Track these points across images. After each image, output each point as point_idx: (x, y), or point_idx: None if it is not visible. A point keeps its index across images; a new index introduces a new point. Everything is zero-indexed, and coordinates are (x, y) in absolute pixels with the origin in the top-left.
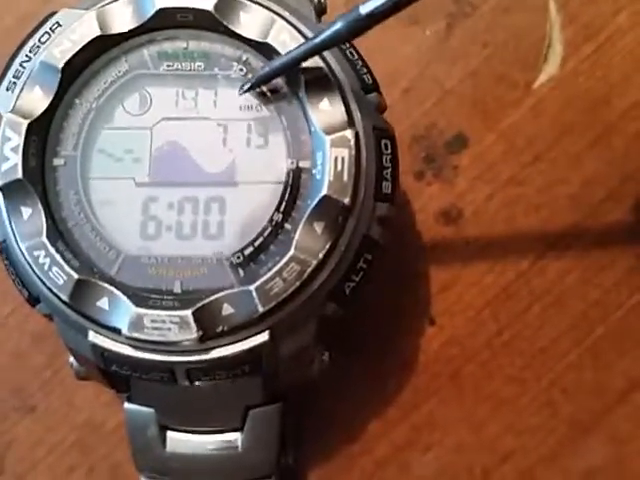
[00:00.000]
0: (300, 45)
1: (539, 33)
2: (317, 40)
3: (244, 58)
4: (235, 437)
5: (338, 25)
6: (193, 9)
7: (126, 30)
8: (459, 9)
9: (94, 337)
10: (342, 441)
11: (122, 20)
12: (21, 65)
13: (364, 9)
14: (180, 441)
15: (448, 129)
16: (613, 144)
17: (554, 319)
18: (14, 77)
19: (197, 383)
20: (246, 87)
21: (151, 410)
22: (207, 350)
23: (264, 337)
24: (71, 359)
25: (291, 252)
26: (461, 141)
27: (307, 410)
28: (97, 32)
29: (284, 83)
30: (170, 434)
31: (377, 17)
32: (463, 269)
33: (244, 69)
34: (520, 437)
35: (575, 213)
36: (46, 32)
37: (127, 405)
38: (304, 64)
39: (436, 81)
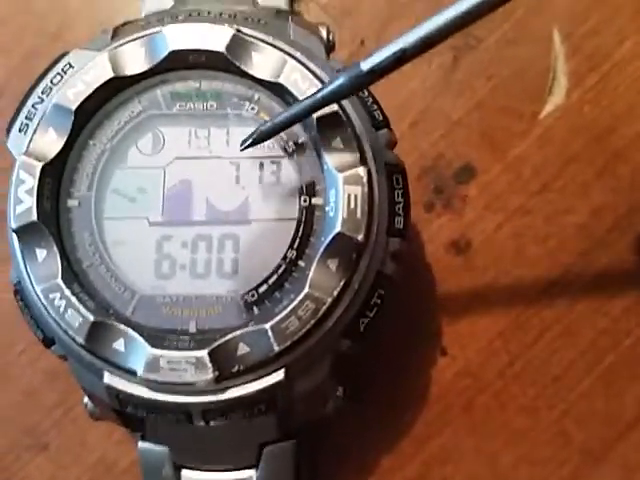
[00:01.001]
0: (302, 101)
1: (544, 64)
2: (318, 96)
3: (256, 97)
4: (250, 475)
5: (340, 81)
6: (205, 50)
7: (139, 72)
8: (464, 42)
9: (109, 379)
10: (356, 477)
11: (135, 61)
12: (33, 107)
13: (365, 65)
14: None
15: (456, 160)
16: (619, 173)
17: (564, 348)
18: (26, 118)
19: (213, 423)
20: (248, 142)
21: (165, 449)
22: (223, 390)
23: (280, 376)
24: (85, 400)
25: (306, 290)
26: (469, 172)
27: (320, 446)
28: (110, 74)
29: None
30: (184, 473)
31: (378, 73)
32: (473, 299)
33: (256, 108)
34: (534, 468)
35: (583, 242)
36: (58, 73)
37: (141, 444)
38: None
39: (443, 113)
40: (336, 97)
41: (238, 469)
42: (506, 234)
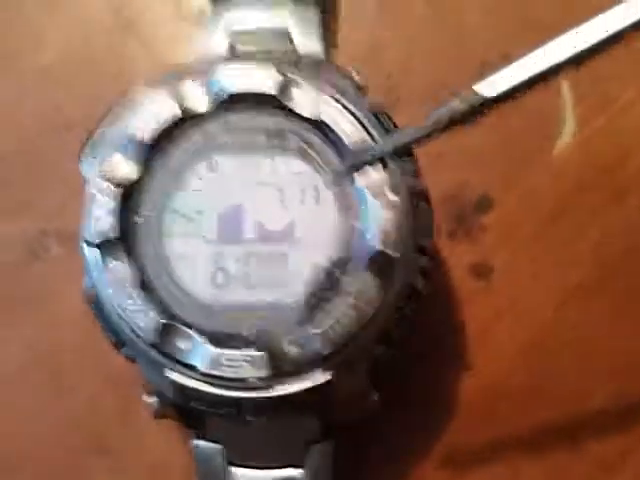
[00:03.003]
0: (407, 131)
1: (555, 106)
2: (428, 124)
3: (298, 131)
4: (292, 473)
5: (455, 106)
6: (256, 92)
7: (200, 109)
8: None
9: (175, 375)
10: None
11: (197, 99)
12: (101, 136)
13: (488, 91)
14: (244, 477)
15: (476, 191)
16: (629, 202)
17: (581, 365)
18: (95, 146)
19: (262, 419)
20: (352, 168)
21: (219, 446)
22: (274, 387)
23: (326, 377)
24: (149, 399)
25: (350, 301)
26: (488, 202)
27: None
28: (175, 109)
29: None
30: (234, 470)
31: (501, 99)
32: (494, 320)
33: (298, 139)
34: (554, 477)
35: (595, 266)
36: (123, 107)
37: (196, 442)
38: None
39: (463, 147)
40: (449, 126)
41: (283, 467)
42: (523, 260)
